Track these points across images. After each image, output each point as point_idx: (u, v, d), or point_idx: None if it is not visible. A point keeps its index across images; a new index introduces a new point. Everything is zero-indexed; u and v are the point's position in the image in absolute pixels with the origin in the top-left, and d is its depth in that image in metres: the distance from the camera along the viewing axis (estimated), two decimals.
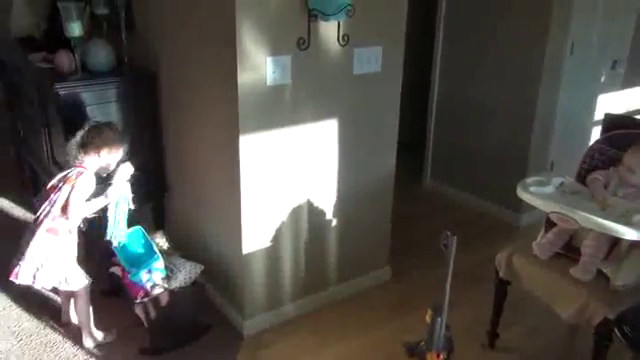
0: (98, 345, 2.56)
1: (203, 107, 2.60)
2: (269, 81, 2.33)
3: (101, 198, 2.38)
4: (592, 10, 3.47)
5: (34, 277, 2.34)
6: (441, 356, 2.41)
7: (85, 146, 2.37)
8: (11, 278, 2.32)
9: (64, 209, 2.32)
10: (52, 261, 2.35)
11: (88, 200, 2.36)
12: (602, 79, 3.81)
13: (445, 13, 3.89)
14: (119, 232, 2.48)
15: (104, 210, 2.45)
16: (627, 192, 2.19)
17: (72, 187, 2.32)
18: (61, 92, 2.67)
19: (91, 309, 2.53)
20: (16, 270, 2.31)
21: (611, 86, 3.88)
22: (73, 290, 2.46)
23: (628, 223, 1.98)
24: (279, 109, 2.41)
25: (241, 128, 2.33)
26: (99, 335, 2.57)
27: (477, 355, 2.56)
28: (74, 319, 2.66)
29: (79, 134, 2.39)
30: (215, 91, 2.46)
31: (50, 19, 3.30)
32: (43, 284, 2.40)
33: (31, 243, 2.32)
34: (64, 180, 2.37)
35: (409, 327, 2.63)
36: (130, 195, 2.49)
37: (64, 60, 2.80)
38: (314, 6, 2.30)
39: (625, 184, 2.20)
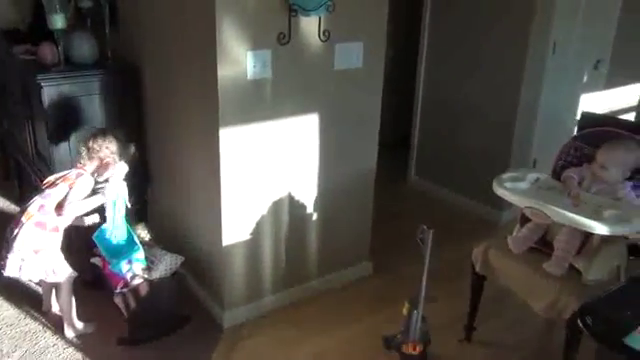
0: (78, 335, 2.57)
1: (185, 101, 2.62)
2: (249, 75, 2.36)
3: (98, 196, 2.43)
4: (574, 11, 3.51)
5: (20, 269, 2.37)
6: (417, 348, 2.45)
7: (90, 152, 2.42)
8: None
9: (59, 206, 2.36)
10: (38, 254, 2.37)
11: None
12: (585, 79, 3.85)
13: (430, 13, 3.92)
14: (118, 230, 2.50)
15: (102, 210, 2.50)
16: (600, 188, 2.22)
17: (70, 187, 2.38)
18: (44, 84, 2.68)
19: (73, 299, 2.55)
20: (3, 262, 2.35)
21: (594, 86, 3.93)
22: (58, 281, 2.48)
23: (598, 218, 2.02)
24: (260, 103, 2.43)
25: (221, 121, 2.35)
26: (80, 325, 2.59)
27: (454, 348, 2.59)
28: (55, 308, 2.68)
29: (86, 137, 2.46)
30: (196, 85, 2.48)
31: (35, 12, 3.30)
32: (29, 276, 2.44)
33: (18, 236, 2.34)
34: (62, 178, 2.42)
35: (388, 320, 2.65)
36: (127, 194, 2.52)
37: (47, 52, 2.81)
38: (294, 1, 2.32)
39: (598, 181, 2.23)
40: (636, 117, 4.27)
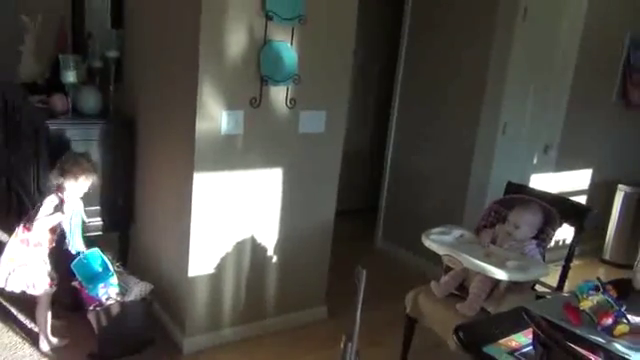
0: (53, 349, 2.89)
1: (168, 150, 3.06)
2: (223, 131, 2.80)
3: (57, 214, 2.80)
4: (523, 96, 3.98)
5: (6, 280, 2.74)
6: None
7: (63, 172, 2.81)
8: None
9: (30, 223, 2.78)
10: (22, 268, 2.75)
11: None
12: (535, 161, 4.29)
13: (400, 91, 4.43)
14: (75, 241, 2.89)
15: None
16: (510, 244, 2.61)
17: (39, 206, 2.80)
18: (51, 127, 3.14)
19: (49, 315, 2.88)
20: None
21: (544, 168, 4.35)
22: (36, 295, 2.82)
23: (502, 267, 2.39)
24: (231, 155, 2.87)
25: (196, 168, 2.78)
26: (54, 340, 2.91)
27: None
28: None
29: (59, 162, 2.86)
30: (178, 136, 2.92)
31: (53, 68, 3.82)
32: (13, 287, 2.79)
33: (5, 251, 2.74)
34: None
35: (334, 358, 2.95)
36: (82, 209, 2.94)
37: (57, 102, 3.29)
38: (265, 73, 2.81)
39: (509, 238, 2.62)
40: (587, 200, 4.66)
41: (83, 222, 2.98)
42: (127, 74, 3.49)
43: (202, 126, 2.74)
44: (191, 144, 2.76)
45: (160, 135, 3.16)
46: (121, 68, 3.48)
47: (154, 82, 3.19)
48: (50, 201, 2.79)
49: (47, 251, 2.83)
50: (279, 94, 2.92)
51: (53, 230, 2.83)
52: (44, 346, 2.89)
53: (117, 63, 3.41)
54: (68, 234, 2.87)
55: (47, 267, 2.83)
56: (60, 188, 2.81)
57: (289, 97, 2.94)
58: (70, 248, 2.89)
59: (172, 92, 2.98)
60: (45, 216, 2.77)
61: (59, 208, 2.78)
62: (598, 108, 4.59)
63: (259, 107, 2.86)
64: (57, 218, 2.80)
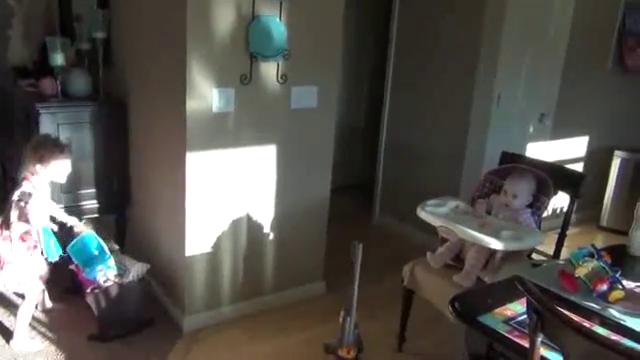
0: (19, 351, 2.73)
1: (161, 130, 3.04)
2: (215, 109, 2.78)
3: (22, 224, 2.62)
4: (517, 66, 3.96)
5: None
6: (351, 352, 2.77)
7: (32, 157, 2.64)
8: None
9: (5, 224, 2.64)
10: (9, 266, 2.66)
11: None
12: (530, 130, 4.27)
13: (393, 66, 4.39)
14: (51, 252, 2.71)
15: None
16: (505, 215, 2.61)
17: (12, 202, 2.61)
18: (41, 111, 3.11)
19: (30, 316, 2.79)
20: None
21: (539, 137, 4.34)
22: (24, 293, 2.73)
23: (496, 237, 2.39)
24: (223, 133, 2.85)
25: (188, 147, 2.76)
26: (27, 342, 2.77)
27: (386, 356, 2.91)
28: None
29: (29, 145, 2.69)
30: (170, 116, 2.90)
31: (41, 51, 3.77)
32: (6, 288, 2.75)
33: None
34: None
35: (333, 332, 2.97)
36: (47, 222, 2.76)
37: (47, 85, 3.26)
38: (254, 49, 2.77)
39: (504, 208, 2.62)
40: (583, 168, 4.66)
41: (55, 220, 2.84)
42: (116, 55, 3.45)
43: (193, 105, 2.71)
44: (182, 123, 2.74)
45: (152, 115, 3.14)
46: (109, 49, 3.44)
47: (143, 62, 3.15)
48: (17, 198, 2.60)
49: (33, 242, 2.69)
50: (269, 70, 2.89)
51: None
52: (15, 344, 2.74)
53: (105, 44, 3.37)
54: (40, 244, 2.69)
55: (34, 260, 2.70)
56: (28, 176, 2.65)
57: (280, 73, 2.91)
58: (47, 258, 2.72)
59: (161, 71, 2.95)
60: (16, 219, 2.61)
61: (26, 202, 2.59)
62: (593, 74, 4.55)
63: (250, 84, 2.83)
64: (24, 227, 2.64)
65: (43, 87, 3.27)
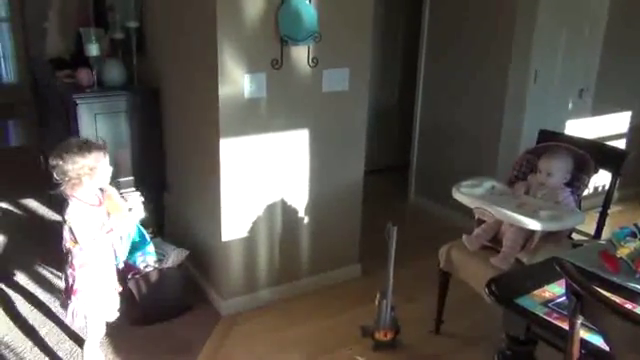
0: None
1: (194, 117, 3.07)
2: (247, 94, 2.78)
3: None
4: (554, 42, 3.84)
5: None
6: (388, 334, 2.78)
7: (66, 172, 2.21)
8: None
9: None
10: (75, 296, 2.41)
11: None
12: (569, 106, 4.15)
13: (426, 45, 4.31)
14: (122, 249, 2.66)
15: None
16: (543, 193, 2.55)
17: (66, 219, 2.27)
18: (79, 102, 3.18)
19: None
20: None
21: (579, 113, 4.21)
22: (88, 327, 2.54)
23: (534, 217, 2.34)
24: (255, 118, 2.85)
25: (222, 133, 2.78)
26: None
27: (423, 338, 2.90)
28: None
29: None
30: (203, 103, 2.92)
31: (77, 43, 3.84)
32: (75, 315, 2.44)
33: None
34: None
35: (370, 314, 2.98)
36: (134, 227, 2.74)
37: (83, 76, 3.32)
38: (284, 33, 2.76)
39: (542, 187, 2.56)
40: (626, 145, 4.51)
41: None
42: (149, 44, 3.49)
43: (225, 91, 2.72)
44: (215, 109, 2.75)
45: (185, 103, 3.17)
46: (143, 38, 3.48)
47: (175, 50, 3.18)
48: (73, 219, 2.24)
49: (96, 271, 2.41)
50: (300, 54, 2.87)
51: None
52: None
53: (138, 33, 3.41)
54: (121, 252, 2.57)
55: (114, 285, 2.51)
56: (69, 193, 2.24)
57: (311, 56, 2.89)
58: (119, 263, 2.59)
59: (193, 58, 2.97)
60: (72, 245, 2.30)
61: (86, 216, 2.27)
62: (635, 47, 4.38)
63: (281, 68, 2.83)
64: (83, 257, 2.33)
65: (80, 78, 3.34)
